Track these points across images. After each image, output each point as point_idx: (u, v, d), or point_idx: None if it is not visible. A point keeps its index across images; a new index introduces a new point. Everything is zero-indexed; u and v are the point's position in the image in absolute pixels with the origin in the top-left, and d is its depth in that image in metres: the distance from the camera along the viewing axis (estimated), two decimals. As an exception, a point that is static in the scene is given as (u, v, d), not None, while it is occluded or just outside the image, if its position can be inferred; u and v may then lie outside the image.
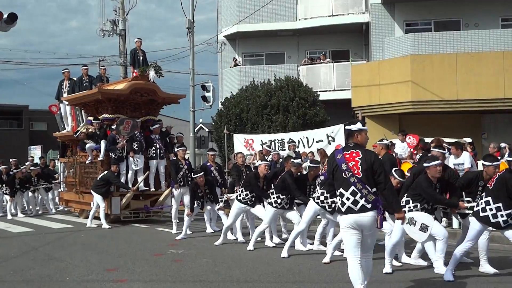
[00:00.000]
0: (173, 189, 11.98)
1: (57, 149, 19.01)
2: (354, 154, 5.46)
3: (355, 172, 5.38)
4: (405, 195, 7.29)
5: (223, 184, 12.33)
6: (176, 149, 12.48)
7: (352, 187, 5.36)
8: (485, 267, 7.16)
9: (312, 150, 15.51)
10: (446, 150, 11.19)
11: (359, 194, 5.34)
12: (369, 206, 5.33)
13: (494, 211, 6.52)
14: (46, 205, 16.99)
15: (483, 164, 7.35)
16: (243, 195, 9.62)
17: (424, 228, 7.04)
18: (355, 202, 5.34)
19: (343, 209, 5.42)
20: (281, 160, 12.19)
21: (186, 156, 12.89)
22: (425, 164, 7.16)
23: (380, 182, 5.38)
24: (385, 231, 7.81)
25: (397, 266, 7.56)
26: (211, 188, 10.87)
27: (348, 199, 5.38)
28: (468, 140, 12.60)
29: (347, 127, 5.65)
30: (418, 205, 7.08)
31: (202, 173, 10.71)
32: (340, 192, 5.45)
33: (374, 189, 5.40)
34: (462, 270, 7.13)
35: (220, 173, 12.36)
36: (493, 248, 8.78)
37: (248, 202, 9.59)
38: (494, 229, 6.90)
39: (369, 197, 5.34)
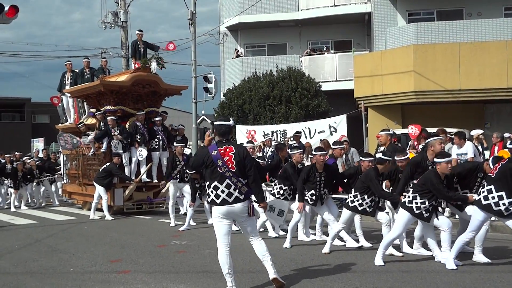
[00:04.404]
0: (170, 184, 11.97)
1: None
2: (228, 150, 5.84)
3: (230, 166, 5.77)
4: (411, 190, 7.12)
5: None
6: (175, 144, 12.42)
7: (227, 180, 5.75)
8: (478, 257, 7.14)
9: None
10: (449, 140, 11.23)
11: (233, 187, 5.75)
12: (242, 197, 5.78)
13: (496, 199, 6.50)
14: (50, 197, 17.06)
15: (487, 163, 7.26)
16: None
17: (281, 213, 8.36)
18: (229, 194, 5.75)
19: (218, 201, 5.77)
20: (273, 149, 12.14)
21: (188, 151, 12.82)
22: (436, 160, 6.98)
23: (250, 175, 5.85)
24: (381, 221, 7.80)
25: (399, 257, 7.57)
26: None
27: (223, 191, 5.75)
28: (480, 131, 12.51)
29: (225, 123, 5.94)
30: (426, 201, 6.89)
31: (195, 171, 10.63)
32: (215, 185, 5.78)
33: (246, 181, 5.83)
34: (464, 259, 7.13)
35: None
36: (496, 238, 8.80)
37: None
38: (496, 218, 6.88)
39: (243, 189, 5.79)
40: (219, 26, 24.84)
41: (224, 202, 5.74)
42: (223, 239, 5.80)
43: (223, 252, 5.78)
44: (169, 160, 12.10)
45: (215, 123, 6.05)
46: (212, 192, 5.79)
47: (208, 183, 5.88)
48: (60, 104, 17.42)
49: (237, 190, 5.74)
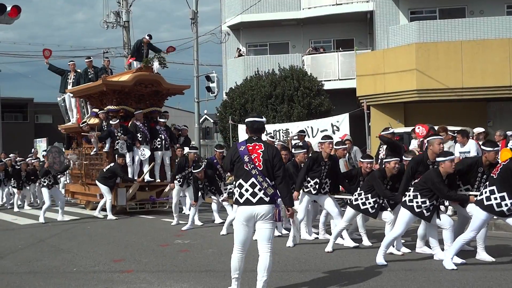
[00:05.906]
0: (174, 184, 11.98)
1: (62, 141, 19.06)
2: (257, 147, 5.54)
3: (257, 164, 5.46)
4: (412, 189, 7.10)
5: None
6: (188, 151, 12.41)
7: (252, 179, 5.43)
8: (482, 255, 7.14)
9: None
10: (452, 138, 11.19)
11: (258, 187, 5.41)
12: (267, 199, 5.41)
13: (498, 200, 6.46)
14: (53, 197, 17.03)
15: (482, 150, 7.23)
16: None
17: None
18: (253, 194, 5.41)
19: (241, 200, 5.47)
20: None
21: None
22: (439, 159, 6.95)
23: (278, 176, 5.48)
24: (385, 220, 7.79)
25: (399, 256, 7.56)
26: (211, 181, 10.90)
27: (247, 190, 5.43)
28: (481, 129, 12.48)
29: (258, 120, 5.66)
30: (427, 201, 6.89)
31: (201, 169, 10.67)
32: (239, 183, 5.50)
33: (273, 183, 5.49)
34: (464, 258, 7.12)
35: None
36: (499, 236, 8.78)
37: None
38: (497, 218, 6.87)
39: (268, 190, 5.42)
40: (221, 25, 24.88)
41: (247, 202, 5.41)
42: (239, 244, 5.55)
43: (236, 256, 5.58)
44: (177, 163, 12.09)
45: (247, 119, 5.73)
46: (236, 191, 5.52)
47: (234, 181, 5.63)
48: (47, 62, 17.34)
49: (262, 191, 5.39)
